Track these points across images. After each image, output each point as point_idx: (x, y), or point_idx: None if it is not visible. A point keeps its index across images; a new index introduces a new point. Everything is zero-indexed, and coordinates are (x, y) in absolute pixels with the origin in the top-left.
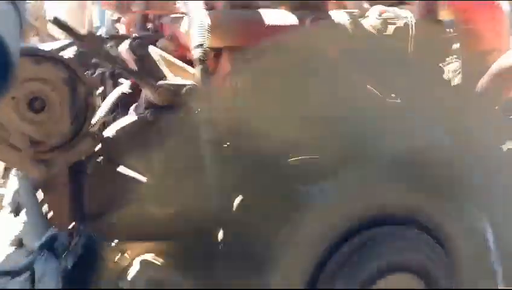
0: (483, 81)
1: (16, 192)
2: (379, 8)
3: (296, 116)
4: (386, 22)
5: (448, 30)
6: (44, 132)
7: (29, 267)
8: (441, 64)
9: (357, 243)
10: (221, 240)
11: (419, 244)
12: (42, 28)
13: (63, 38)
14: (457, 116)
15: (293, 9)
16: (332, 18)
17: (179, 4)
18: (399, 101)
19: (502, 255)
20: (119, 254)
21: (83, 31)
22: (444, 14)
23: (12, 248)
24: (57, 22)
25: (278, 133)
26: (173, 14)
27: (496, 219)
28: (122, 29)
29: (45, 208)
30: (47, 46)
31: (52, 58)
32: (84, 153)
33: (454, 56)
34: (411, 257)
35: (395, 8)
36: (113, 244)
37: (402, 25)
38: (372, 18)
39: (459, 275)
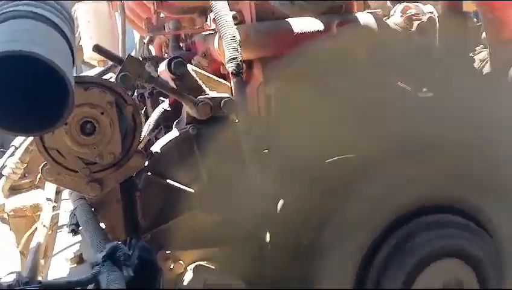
0: None
1: (72, 213)
2: (402, 5)
3: (330, 118)
4: (410, 19)
5: (473, 21)
6: (97, 153)
7: (94, 279)
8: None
9: (406, 232)
10: (268, 241)
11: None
12: (78, 56)
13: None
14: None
15: (319, 14)
16: (358, 20)
17: (209, 22)
18: (431, 94)
19: None
20: (174, 262)
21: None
22: (468, 5)
23: (74, 264)
24: (98, 49)
25: (314, 136)
26: (204, 32)
27: None
28: (153, 50)
29: (102, 224)
30: (89, 73)
31: (99, 83)
32: (134, 169)
33: (481, 45)
34: (457, 242)
35: (419, 4)
36: (167, 253)
37: (426, 20)
38: (396, 16)
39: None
